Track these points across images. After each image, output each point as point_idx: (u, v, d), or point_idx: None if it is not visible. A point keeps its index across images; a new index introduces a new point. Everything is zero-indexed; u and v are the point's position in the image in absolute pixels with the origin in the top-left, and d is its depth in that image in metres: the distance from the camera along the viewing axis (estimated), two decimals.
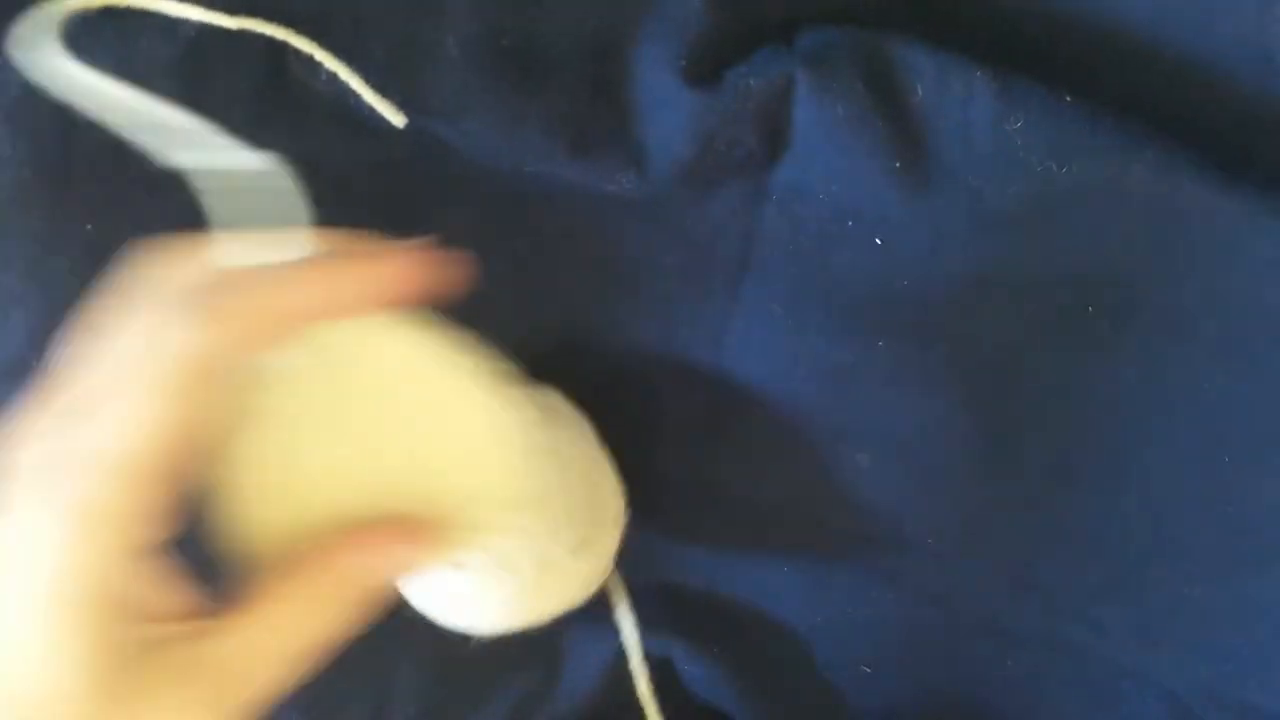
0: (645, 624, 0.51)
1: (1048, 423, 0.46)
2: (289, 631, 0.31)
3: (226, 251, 0.32)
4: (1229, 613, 0.48)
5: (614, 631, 0.52)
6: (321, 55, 0.43)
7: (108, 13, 0.42)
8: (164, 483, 0.28)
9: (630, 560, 0.49)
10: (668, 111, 0.43)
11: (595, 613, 0.51)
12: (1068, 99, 0.41)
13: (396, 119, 0.44)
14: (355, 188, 0.46)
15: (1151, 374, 0.44)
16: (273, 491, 0.32)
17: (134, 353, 0.29)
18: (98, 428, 0.28)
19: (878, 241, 0.43)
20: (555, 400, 0.46)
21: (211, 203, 0.32)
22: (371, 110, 0.44)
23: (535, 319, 0.47)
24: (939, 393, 0.46)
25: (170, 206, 0.44)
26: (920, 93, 0.41)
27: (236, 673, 0.30)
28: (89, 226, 0.44)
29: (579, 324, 0.47)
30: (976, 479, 0.48)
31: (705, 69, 0.43)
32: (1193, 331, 0.43)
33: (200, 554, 0.31)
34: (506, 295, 0.47)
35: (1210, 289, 0.43)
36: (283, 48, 0.43)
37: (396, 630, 0.44)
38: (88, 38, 0.42)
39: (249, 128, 0.44)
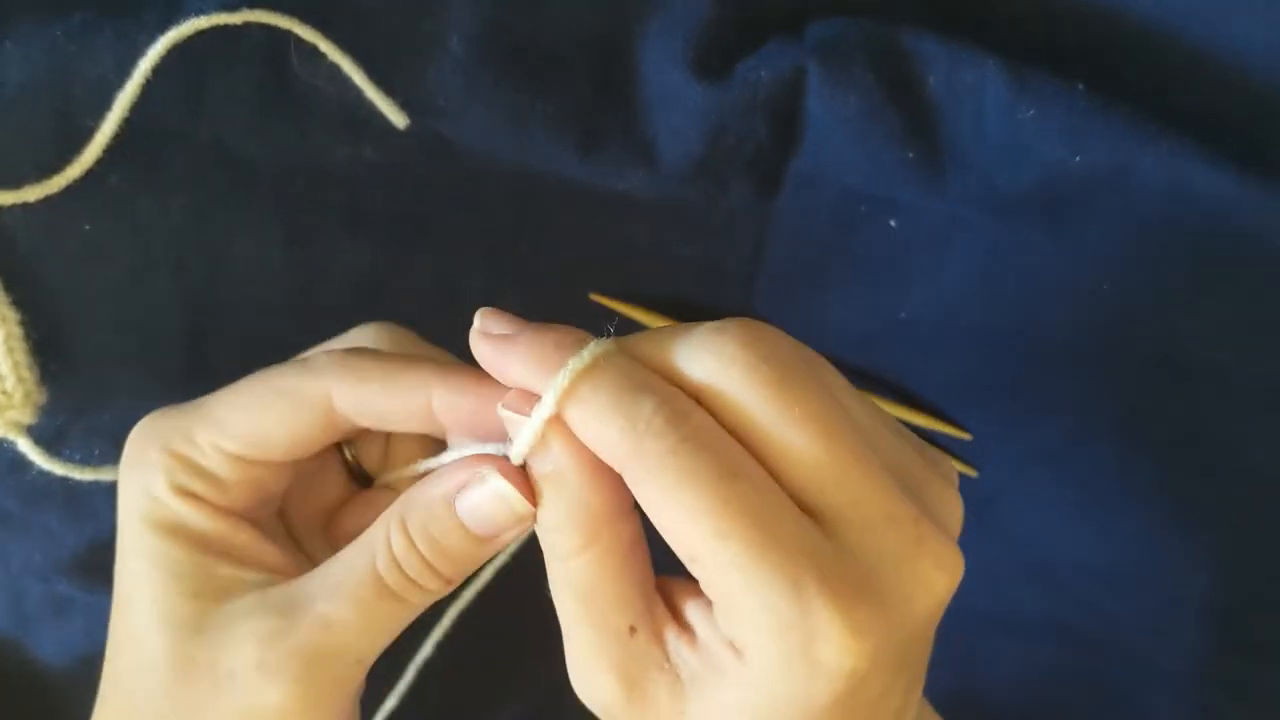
0: None
1: (1062, 395, 0.46)
2: (359, 576, 0.31)
3: None
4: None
5: None
6: (326, 47, 0.42)
7: (108, 11, 0.42)
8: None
9: None
10: (677, 106, 0.43)
11: None
12: (1080, 89, 0.41)
13: (399, 119, 0.43)
14: (360, 190, 0.45)
15: (1163, 350, 0.44)
16: None
17: None
18: None
19: (892, 224, 0.43)
20: None
21: None
22: (375, 111, 0.43)
23: (548, 319, 0.47)
24: (960, 359, 0.46)
25: (169, 208, 0.44)
26: (932, 83, 0.41)
27: (309, 613, 0.31)
28: (87, 227, 0.44)
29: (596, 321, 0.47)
30: (992, 445, 0.48)
31: (714, 63, 0.42)
32: (1205, 314, 0.43)
33: None
34: (518, 296, 0.47)
35: (1221, 274, 0.43)
36: (284, 47, 0.43)
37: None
38: (89, 36, 0.41)
39: (250, 128, 0.43)
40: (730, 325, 0.28)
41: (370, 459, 0.37)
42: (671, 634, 0.30)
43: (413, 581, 0.31)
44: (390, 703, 0.49)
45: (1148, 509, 0.47)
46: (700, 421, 0.27)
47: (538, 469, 0.29)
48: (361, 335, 0.38)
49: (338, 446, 0.37)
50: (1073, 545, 0.48)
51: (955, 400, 0.47)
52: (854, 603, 0.26)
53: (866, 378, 0.47)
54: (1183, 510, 0.47)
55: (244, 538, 0.33)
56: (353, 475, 0.37)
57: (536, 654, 0.51)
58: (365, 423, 0.33)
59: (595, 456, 0.28)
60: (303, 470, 0.35)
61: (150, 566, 0.32)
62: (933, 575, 0.28)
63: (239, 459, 0.33)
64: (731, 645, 0.28)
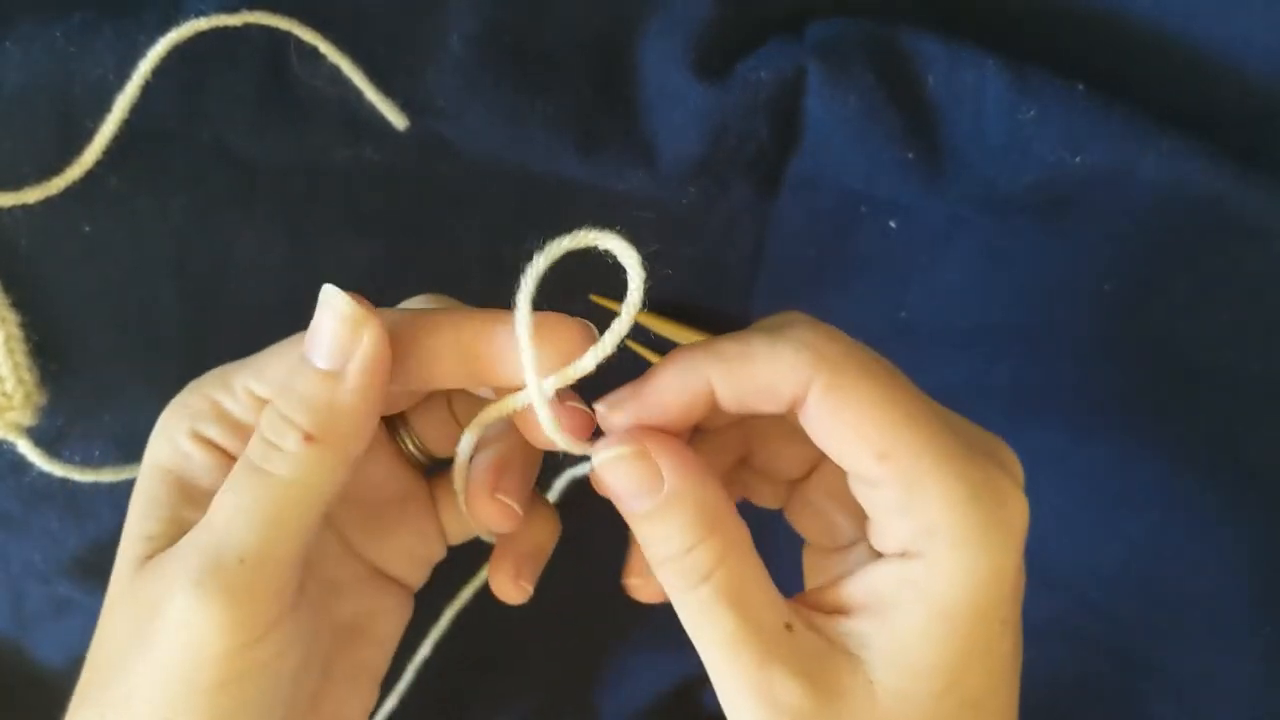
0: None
1: (1063, 395, 0.46)
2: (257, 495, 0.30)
3: None
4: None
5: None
6: (326, 48, 0.42)
7: (107, 12, 0.42)
8: None
9: None
10: (677, 107, 0.43)
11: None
12: (1080, 89, 0.41)
13: (399, 120, 0.43)
14: (360, 191, 0.45)
15: (1164, 350, 0.44)
16: None
17: None
18: None
19: (891, 224, 0.43)
20: None
21: None
22: (375, 111, 0.43)
23: None
24: (962, 360, 0.46)
25: (169, 209, 0.44)
26: (932, 83, 0.41)
27: (202, 524, 0.30)
28: (87, 228, 0.44)
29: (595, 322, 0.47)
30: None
31: (715, 63, 0.42)
32: (1205, 314, 0.43)
33: None
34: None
35: (1222, 274, 0.43)
36: (284, 48, 0.43)
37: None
38: (89, 37, 0.41)
39: (250, 129, 0.43)
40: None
41: (439, 445, 0.37)
42: (820, 617, 0.30)
43: (270, 444, 0.30)
44: (390, 702, 0.49)
45: (1150, 509, 0.47)
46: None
47: (645, 507, 0.30)
48: (412, 303, 0.37)
49: (393, 434, 0.36)
50: (1074, 546, 0.48)
51: (955, 400, 0.47)
52: (1017, 471, 0.31)
53: None
54: (1185, 510, 0.47)
55: None
56: (414, 463, 0.37)
57: (534, 654, 0.52)
58: (396, 376, 0.32)
59: (699, 463, 0.30)
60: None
61: (137, 505, 0.32)
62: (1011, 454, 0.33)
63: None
64: (905, 554, 0.29)
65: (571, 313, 0.46)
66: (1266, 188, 0.41)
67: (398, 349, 0.31)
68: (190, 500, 0.32)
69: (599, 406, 0.32)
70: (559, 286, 0.47)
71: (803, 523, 0.37)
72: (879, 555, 0.31)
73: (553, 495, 0.48)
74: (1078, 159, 0.41)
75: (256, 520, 0.29)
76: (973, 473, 0.29)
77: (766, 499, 0.37)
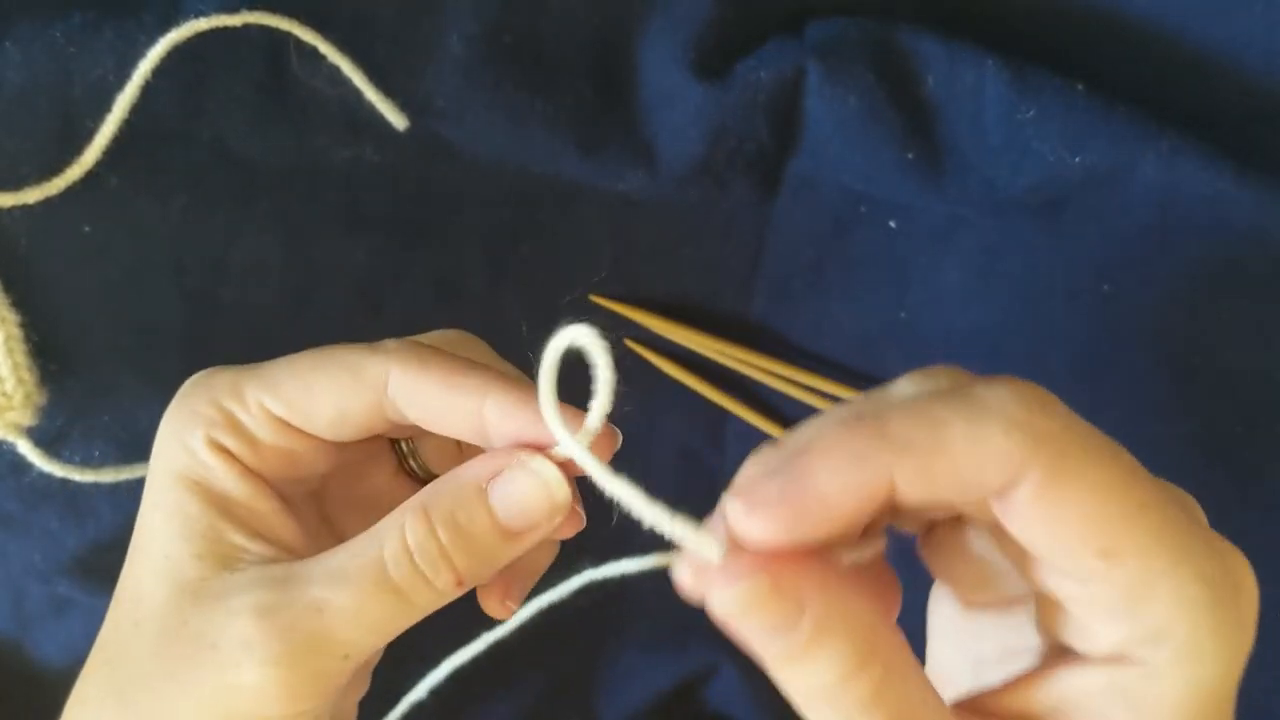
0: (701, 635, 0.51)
1: (1062, 396, 0.46)
2: (364, 569, 0.29)
3: None
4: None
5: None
6: (325, 48, 0.42)
7: (107, 13, 0.42)
8: None
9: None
10: (677, 107, 0.43)
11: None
12: (1080, 89, 0.41)
13: (399, 120, 0.43)
14: (360, 191, 0.45)
15: (1164, 351, 0.44)
16: None
17: None
18: None
19: (891, 224, 0.43)
20: None
21: None
22: (375, 112, 0.43)
23: (550, 321, 0.47)
24: (961, 360, 0.46)
25: (169, 209, 0.44)
26: (931, 83, 0.41)
27: (303, 596, 0.29)
28: (87, 228, 0.44)
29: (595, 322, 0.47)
30: None
31: (714, 63, 0.42)
32: (1205, 314, 0.43)
33: None
34: (518, 296, 0.47)
35: (1222, 274, 0.43)
36: (284, 48, 0.43)
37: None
38: (88, 38, 0.41)
39: (250, 129, 0.43)
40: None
41: (439, 463, 0.36)
42: None
43: (420, 574, 0.29)
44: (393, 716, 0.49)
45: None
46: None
47: (785, 646, 0.25)
48: (439, 338, 0.36)
49: (394, 445, 0.36)
50: None
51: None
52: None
53: (866, 378, 0.47)
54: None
55: (265, 507, 0.32)
56: (414, 478, 0.37)
57: (535, 654, 0.51)
58: (414, 415, 0.31)
59: (841, 576, 0.25)
60: (349, 460, 0.35)
61: (166, 520, 0.31)
62: None
63: (282, 423, 0.32)
64: (1116, 659, 0.25)
65: (571, 310, 0.47)
66: (1266, 187, 0.41)
67: (422, 390, 0.31)
68: (224, 512, 0.31)
69: (733, 507, 0.24)
70: (558, 285, 0.47)
71: (942, 565, 0.30)
72: (1063, 648, 0.27)
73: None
74: (1077, 159, 0.41)
75: (373, 629, 0.30)
76: (1210, 567, 0.24)
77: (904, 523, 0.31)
